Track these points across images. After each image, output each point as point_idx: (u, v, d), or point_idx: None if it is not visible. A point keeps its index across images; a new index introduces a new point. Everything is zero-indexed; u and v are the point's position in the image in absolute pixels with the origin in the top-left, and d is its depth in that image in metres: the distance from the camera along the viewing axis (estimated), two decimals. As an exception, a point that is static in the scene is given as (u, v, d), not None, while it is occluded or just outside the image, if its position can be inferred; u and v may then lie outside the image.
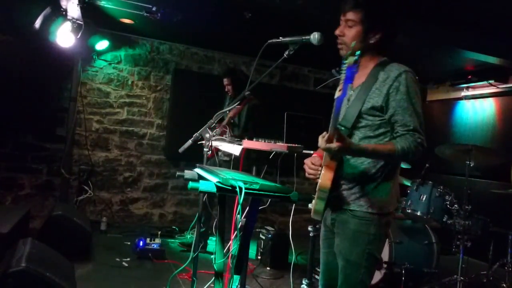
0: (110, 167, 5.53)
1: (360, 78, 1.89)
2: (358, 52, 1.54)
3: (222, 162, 4.29)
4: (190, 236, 4.88)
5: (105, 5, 4.30)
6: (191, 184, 1.76)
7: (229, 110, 3.85)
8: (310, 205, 1.94)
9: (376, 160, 1.80)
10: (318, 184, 1.78)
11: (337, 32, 1.87)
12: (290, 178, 3.07)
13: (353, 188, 1.82)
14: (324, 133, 1.64)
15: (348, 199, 1.83)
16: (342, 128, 1.85)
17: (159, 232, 4.72)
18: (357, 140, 1.82)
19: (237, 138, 3.46)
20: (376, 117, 1.80)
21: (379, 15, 1.81)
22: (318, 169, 1.83)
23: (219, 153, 4.39)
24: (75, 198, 5.28)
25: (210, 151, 4.25)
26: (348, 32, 1.84)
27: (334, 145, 1.61)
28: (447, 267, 4.01)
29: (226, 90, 4.49)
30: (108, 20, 4.82)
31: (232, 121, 4.33)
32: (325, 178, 1.75)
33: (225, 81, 4.45)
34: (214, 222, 4.02)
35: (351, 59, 1.51)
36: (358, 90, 1.87)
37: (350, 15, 1.83)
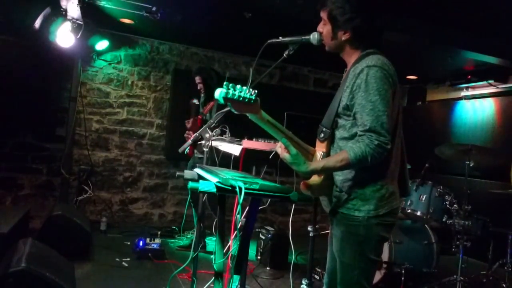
0: (110, 167, 5.53)
1: (346, 74, 1.91)
2: (227, 83, 1.57)
3: (197, 160, 4.35)
4: (188, 237, 4.89)
5: (105, 5, 4.30)
6: (191, 184, 1.76)
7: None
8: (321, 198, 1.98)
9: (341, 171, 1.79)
10: (301, 184, 1.84)
11: (318, 28, 1.91)
12: (290, 178, 3.07)
13: (342, 191, 1.81)
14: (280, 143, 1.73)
15: (339, 202, 1.83)
16: (324, 129, 1.86)
17: (159, 232, 4.71)
18: (336, 141, 1.84)
19: None
20: (349, 117, 1.79)
21: (341, 14, 1.80)
22: None
23: (195, 151, 4.47)
24: (75, 198, 5.28)
25: (189, 149, 4.30)
26: (323, 29, 1.88)
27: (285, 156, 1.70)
28: (446, 267, 4.02)
29: (198, 88, 4.58)
30: (108, 20, 4.82)
31: (204, 117, 4.40)
32: (309, 181, 1.81)
33: (197, 79, 4.55)
34: (214, 222, 4.03)
35: (216, 95, 1.58)
36: (338, 89, 1.89)
37: (322, 13, 1.88)
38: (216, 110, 4.38)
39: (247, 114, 1.65)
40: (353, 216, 1.77)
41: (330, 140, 1.86)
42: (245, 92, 1.59)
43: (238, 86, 1.59)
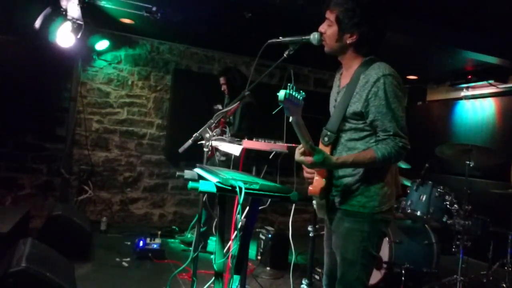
0: (110, 167, 5.53)
1: (346, 78, 1.91)
2: (291, 85, 1.54)
3: (220, 162, 4.30)
4: (190, 236, 4.88)
5: (105, 5, 4.30)
6: (191, 184, 1.76)
7: (229, 110, 3.84)
8: (314, 202, 1.97)
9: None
10: (308, 189, 1.85)
11: (320, 29, 1.89)
12: (290, 178, 3.07)
13: (344, 189, 1.85)
14: (300, 145, 1.73)
15: (341, 199, 1.86)
16: (328, 132, 1.87)
17: (159, 232, 4.71)
18: (343, 143, 1.85)
19: (231, 136, 3.47)
20: (360, 121, 1.82)
21: (350, 18, 1.78)
22: (314, 172, 1.87)
23: (216, 153, 4.41)
24: (75, 198, 5.28)
25: (210, 151, 4.24)
26: (328, 30, 1.86)
27: (307, 160, 1.71)
28: (447, 267, 4.01)
29: (222, 89, 4.53)
30: (108, 20, 4.82)
31: (227, 120, 4.34)
32: (316, 185, 1.83)
33: (221, 80, 4.50)
34: (215, 222, 4.02)
35: (280, 95, 1.51)
36: (343, 92, 1.89)
37: (328, 14, 1.85)
38: (241, 112, 4.32)
39: (291, 117, 1.62)
40: (359, 213, 1.81)
41: (334, 144, 1.88)
42: (298, 94, 1.58)
43: (294, 87, 1.57)
